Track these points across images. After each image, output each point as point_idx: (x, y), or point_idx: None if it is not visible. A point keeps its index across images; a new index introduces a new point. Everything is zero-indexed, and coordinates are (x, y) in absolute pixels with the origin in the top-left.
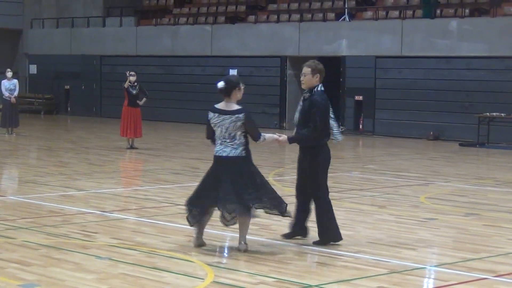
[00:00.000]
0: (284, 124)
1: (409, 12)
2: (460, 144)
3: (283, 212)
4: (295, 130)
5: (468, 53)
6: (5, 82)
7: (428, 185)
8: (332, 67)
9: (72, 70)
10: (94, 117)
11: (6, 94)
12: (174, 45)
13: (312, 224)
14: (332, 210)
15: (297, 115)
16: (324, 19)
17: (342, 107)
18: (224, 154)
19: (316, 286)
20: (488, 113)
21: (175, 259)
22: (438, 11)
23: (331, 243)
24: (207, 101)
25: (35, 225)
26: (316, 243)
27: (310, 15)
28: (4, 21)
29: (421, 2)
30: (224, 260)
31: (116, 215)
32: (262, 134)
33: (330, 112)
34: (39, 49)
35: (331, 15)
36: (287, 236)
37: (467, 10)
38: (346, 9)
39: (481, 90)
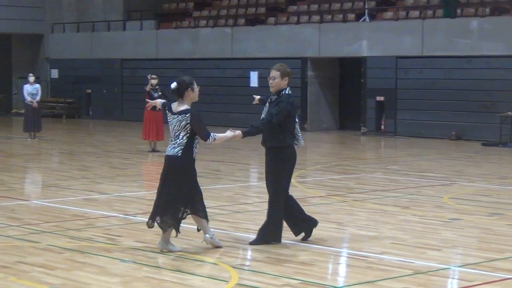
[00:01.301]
0: (306, 126)
1: (430, 12)
2: (483, 144)
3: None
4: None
5: (489, 53)
6: (27, 87)
7: (451, 185)
8: (353, 68)
9: (93, 74)
10: (116, 120)
11: (28, 98)
12: (194, 48)
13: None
14: (282, 213)
15: (262, 116)
16: (344, 20)
17: (363, 107)
18: (167, 153)
19: (340, 287)
20: (510, 112)
21: (199, 262)
22: (459, 11)
23: (272, 242)
24: (227, 103)
25: (59, 229)
26: (252, 243)
27: (330, 16)
28: (25, 26)
29: (442, 2)
30: (248, 263)
31: (140, 218)
32: (212, 134)
33: (296, 117)
34: (60, 54)
35: (351, 16)
36: (305, 238)
37: (487, 10)
38: (366, 10)
39: (502, 89)
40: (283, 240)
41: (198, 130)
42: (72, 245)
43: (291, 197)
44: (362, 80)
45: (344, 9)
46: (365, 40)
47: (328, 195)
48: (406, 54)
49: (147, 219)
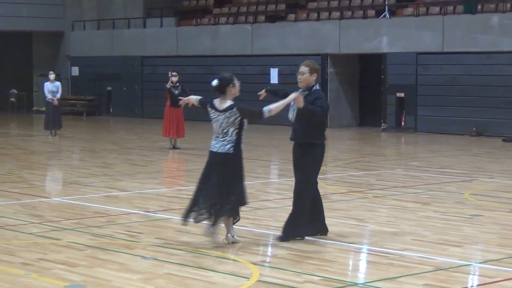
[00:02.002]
0: (326, 121)
1: (450, 8)
2: (503, 140)
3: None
4: (293, 129)
5: (510, 48)
6: (48, 85)
7: (472, 181)
8: (373, 65)
9: (113, 72)
10: (136, 118)
11: (49, 96)
12: (214, 45)
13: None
14: (308, 209)
15: (292, 114)
16: (365, 16)
17: (383, 104)
18: (215, 150)
19: (362, 284)
20: None
21: (220, 259)
22: (479, 7)
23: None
24: (248, 100)
25: (80, 226)
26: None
27: (350, 13)
28: (46, 24)
29: None
30: (269, 259)
31: (160, 215)
32: (265, 108)
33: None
34: (81, 51)
35: (371, 12)
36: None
37: (508, 5)
38: (386, 6)
39: None
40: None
41: (250, 115)
42: (93, 242)
43: (317, 195)
44: (382, 77)
45: (364, 5)
46: (385, 36)
47: (349, 192)
48: (426, 50)
49: (168, 217)
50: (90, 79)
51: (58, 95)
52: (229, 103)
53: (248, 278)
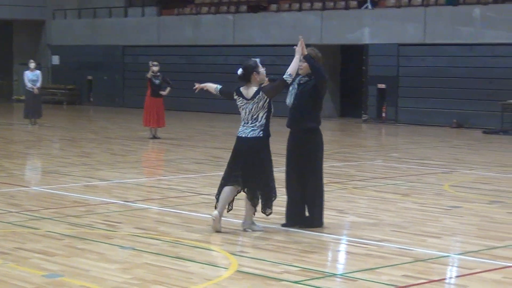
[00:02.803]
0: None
1: (432, 0)
2: (484, 132)
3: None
4: (289, 116)
5: (491, 40)
6: (28, 73)
7: (452, 173)
8: (355, 56)
9: (94, 61)
10: (117, 107)
11: (29, 85)
12: (196, 35)
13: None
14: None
15: (290, 99)
16: (347, 7)
17: (365, 95)
18: (244, 135)
19: (340, 275)
20: (511, 100)
21: (199, 249)
22: None
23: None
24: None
25: (59, 216)
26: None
27: (332, 3)
28: (27, 12)
29: None
30: (248, 249)
31: (139, 205)
32: (285, 75)
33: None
34: (62, 40)
35: (354, 3)
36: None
37: None
38: None
39: (504, 77)
40: (284, 228)
41: (276, 90)
42: (71, 231)
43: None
44: (363, 68)
45: None
46: (367, 28)
47: (329, 182)
48: (408, 41)
49: (148, 206)
50: (70, 68)
51: (39, 84)
52: (254, 89)
53: (227, 268)
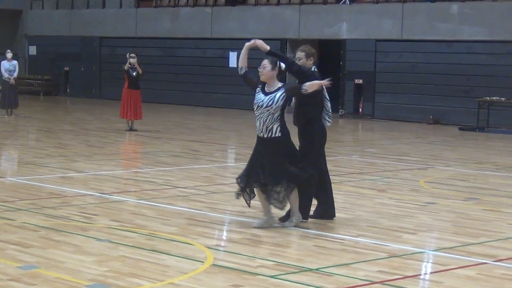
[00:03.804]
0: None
1: None
2: (460, 129)
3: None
4: (294, 113)
5: (469, 37)
6: (4, 63)
7: (428, 169)
8: (332, 50)
9: (71, 52)
10: (94, 98)
11: (5, 75)
12: (174, 27)
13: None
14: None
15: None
16: (325, 2)
17: (341, 90)
18: (265, 136)
19: (315, 269)
20: (488, 98)
21: (175, 242)
22: None
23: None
24: (207, 83)
25: (35, 207)
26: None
27: None
28: (4, 1)
29: None
30: (223, 243)
31: (116, 197)
32: (302, 86)
33: (326, 93)
34: (39, 30)
35: None
36: (283, 219)
37: None
38: None
39: (481, 74)
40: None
41: (295, 91)
42: (47, 223)
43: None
44: (341, 63)
45: None
46: (345, 23)
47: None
48: (385, 37)
49: (124, 199)
50: (47, 58)
51: (15, 74)
52: (278, 85)
53: (203, 262)
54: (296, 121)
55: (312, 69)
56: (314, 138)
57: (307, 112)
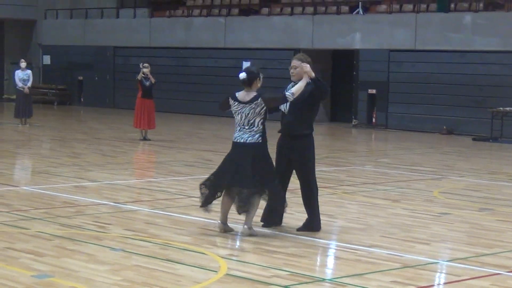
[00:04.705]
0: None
1: (423, 6)
2: (474, 139)
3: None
4: (283, 121)
5: (482, 48)
6: (19, 73)
7: (441, 179)
8: (346, 61)
9: (85, 61)
10: (107, 108)
11: (20, 84)
12: (187, 37)
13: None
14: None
15: (286, 105)
16: (338, 12)
17: (355, 100)
18: (242, 141)
19: (329, 280)
20: (501, 108)
21: (189, 251)
22: (452, 5)
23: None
24: (220, 93)
25: (49, 216)
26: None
27: (323, 8)
28: (18, 11)
29: None
30: (237, 253)
31: (130, 206)
32: (287, 93)
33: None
34: (53, 40)
35: (345, 8)
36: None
37: (481, 4)
38: (360, 2)
39: (494, 84)
40: (272, 231)
41: (275, 102)
42: (61, 232)
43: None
44: (354, 73)
45: (338, 1)
46: (358, 33)
47: (319, 187)
48: (399, 47)
49: (138, 208)
50: (61, 68)
51: (29, 84)
52: (253, 94)
53: (216, 271)
54: (293, 132)
55: (307, 79)
56: (313, 150)
57: (310, 125)
